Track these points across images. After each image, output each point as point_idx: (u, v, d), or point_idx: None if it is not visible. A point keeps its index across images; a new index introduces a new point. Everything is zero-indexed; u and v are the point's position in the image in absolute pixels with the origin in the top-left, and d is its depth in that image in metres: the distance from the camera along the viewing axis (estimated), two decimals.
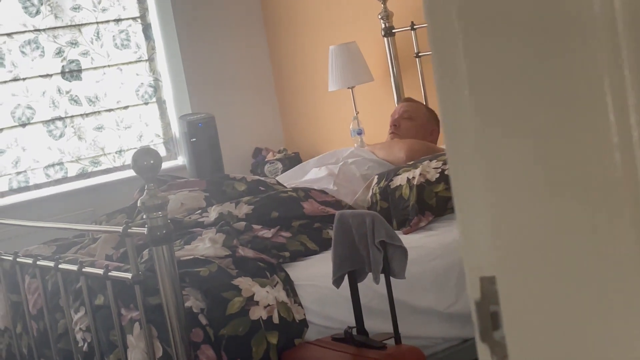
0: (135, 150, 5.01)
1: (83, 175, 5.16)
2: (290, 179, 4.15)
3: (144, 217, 2.54)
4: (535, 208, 0.77)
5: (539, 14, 0.73)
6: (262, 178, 3.80)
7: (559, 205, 0.75)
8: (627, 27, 0.69)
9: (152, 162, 2.51)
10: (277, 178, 4.16)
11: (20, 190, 4.97)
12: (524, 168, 0.76)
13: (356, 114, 4.86)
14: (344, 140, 5.06)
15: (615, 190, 0.70)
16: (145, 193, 2.51)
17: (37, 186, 5.02)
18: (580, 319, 0.77)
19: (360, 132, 4.80)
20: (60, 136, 5.09)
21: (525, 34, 0.74)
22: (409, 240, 3.05)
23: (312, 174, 4.07)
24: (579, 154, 0.73)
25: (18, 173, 4.97)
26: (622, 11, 0.69)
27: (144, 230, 2.56)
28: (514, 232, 0.79)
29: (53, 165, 5.08)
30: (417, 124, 4.16)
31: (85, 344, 2.89)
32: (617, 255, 0.72)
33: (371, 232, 2.51)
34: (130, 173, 5.19)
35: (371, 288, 2.77)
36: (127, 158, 5.30)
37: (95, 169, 5.20)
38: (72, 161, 5.13)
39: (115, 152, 5.26)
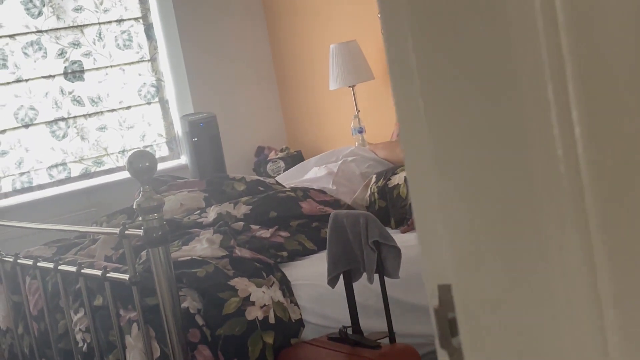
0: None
1: (86, 175, 5.19)
2: (291, 179, 4.17)
3: (140, 219, 2.56)
4: (488, 217, 0.78)
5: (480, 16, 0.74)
6: (262, 178, 3.82)
7: (510, 214, 0.77)
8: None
9: (147, 164, 2.53)
10: (277, 178, 4.17)
11: (23, 190, 5.01)
12: (479, 179, 0.78)
13: (357, 113, 4.87)
14: (346, 138, 5.07)
15: (561, 200, 0.72)
16: (140, 195, 2.54)
17: (41, 187, 5.05)
18: (532, 324, 0.79)
19: (361, 131, 4.81)
20: (63, 137, 5.12)
21: (471, 45, 0.75)
22: (406, 239, 3.06)
23: (311, 173, 4.09)
24: (528, 165, 0.75)
25: (21, 174, 5.01)
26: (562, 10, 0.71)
27: (140, 232, 2.58)
28: (468, 240, 0.81)
29: (56, 165, 5.11)
30: None
31: (85, 345, 2.92)
32: (564, 260, 0.73)
33: (365, 232, 2.53)
34: None
35: (367, 287, 2.79)
36: None
37: (98, 169, 5.23)
38: (75, 161, 5.16)
39: (118, 152, 5.29)
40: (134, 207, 2.55)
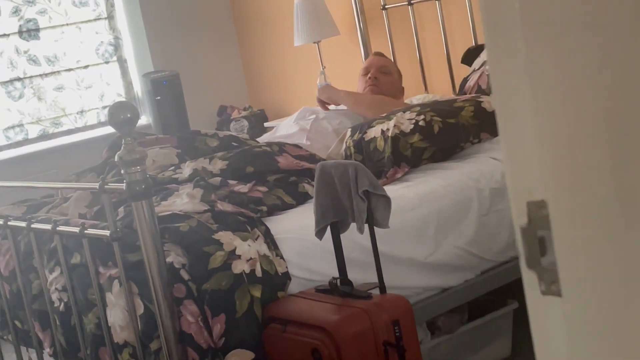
0: (101, 108, 4.88)
1: (44, 136, 5.06)
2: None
3: (122, 172, 2.48)
4: (590, 126, 0.74)
5: None
6: (234, 133, 3.74)
7: (616, 122, 0.73)
8: None
9: (129, 115, 2.45)
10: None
11: None
12: (579, 81, 0.74)
13: (323, 69, 4.81)
14: (311, 95, 5.01)
15: None
16: (122, 147, 2.45)
17: None
18: (633, 239, 0.76)
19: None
20: (20, 97, 4.98)
21: None
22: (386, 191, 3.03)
23: (283, 130, 4.03)
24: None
25: None
26: None
27: (122, 186, 2.51)
28: (566, 154, 0.77)
29: (13, 127, 4.97)
30: (393, 79, 4.14)
31: (62, 304, 2.84)
32: None
33: (354, 182, 2.48)
34: (93, 134, 5.11)
35: (352, 240, 2.75)
36: (89, 119, 5.21)
37: (56, 130, 5.10)
38: (32, 123, 5.02)
39: (77, 113, 5.16)
40: (116, 159, 2.47)
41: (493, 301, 3.27)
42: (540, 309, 0.81)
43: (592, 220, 0.77)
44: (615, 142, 0.75)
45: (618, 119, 0.75)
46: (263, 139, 4.02)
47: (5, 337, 3.32)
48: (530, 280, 0.82)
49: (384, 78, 4.09)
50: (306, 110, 4.14)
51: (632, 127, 0.74)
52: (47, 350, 2.99)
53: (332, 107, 4.15)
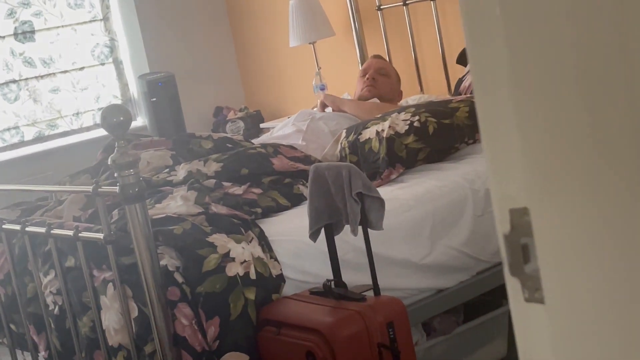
0: (97, 110, 4.88)
1: (40, 139, 5.06)
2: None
3: (116, 175, 2.48)
4: (573, 134, 0.74)
5: None
6: (228, 135, 3.74)
7: (598, 129, 0.73)
8: None
9: (122, 118, 2.45)
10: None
11: None
12: (561, 91, 0.74)
13: (318, 70, 4.81)
14: (307, 96, 5.01)
15: None
16: (115, 150, 2.45)
17: None
18: (615, 246, 0.75)
19: (323, 88, 4.76)
20: (15, 99, 4.97)
21: None
22: (380, 193, 3.02)
23: (280, 131, 4.03)
24: (618, 78, 0.71)
25: None
26: None
27: (115, 189, 2.50)
28: (549, 161, 0.76)
29: (9, 129, 4.96)
30: (391, 82, 4.15)
31: (57, 307, 2.84)
32: None
33: (348, 184, 2.48)
34: (89, 135, 5.10)
35: (346, 241, 2.75)
36: (85, 120, 5.20)
37: (52, 132, 5.10)
38: (28, 125, 5.02)
39: (73, 115, 5.16)
40: (109, 162, 2.47)
41: (489, 302, 3.27)
42: (524, 316, 0.81)
43: (574, 227, 0.77)
44: (597, 150, 0.74)
45: (600, 127, 0.75)
46: (260, 140, 4.02)
47: (0, 341, 3.31)
48: (513, 288, 0.81)
49: (381, 79, 4.10)
50: (304, 113, 4.14)
51: (614, 136, 0.74)
52: (42, 353, 2.99)
53: (329, 109, 4.14)
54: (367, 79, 4.10)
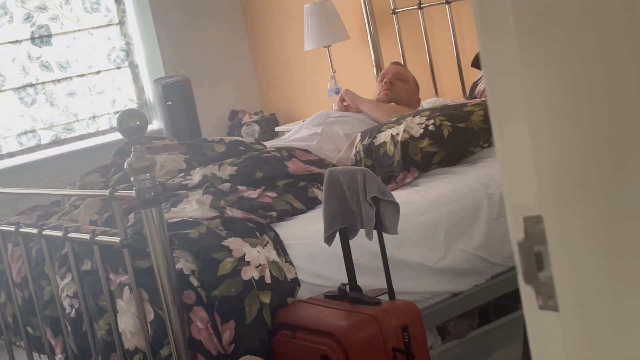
0: (113, 114, 4.90)
1: (56, 142, 5.09)
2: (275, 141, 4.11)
3: (132, 179, 2.49)
4: (586, 135, 0.74)
5: None
6: (240, 138, 3.75)
7: (613, 138, 0.73)
8: None
9: (138, 122, 2.46)
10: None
11: None
12: (576, 97, 0.74)
13: (333, 73, 4.82)
14: (322, 100, 5.02)
15: None
16: (132, 155, 2.47)
17: (10, 154, 4.94)
18: (629, 253, 0.76)
19: (337, 91, 4.76)
20: (32, 103, 5.01)
21: None
22: (395, 196, 3.03)
23: (295, 134, 4.04)
24: (632, 85, 0.71)
25: None
26: None
27: (132, 193, 2.52)
28: (563, 169, 0.77)
29: (26, 133, 4.99)
30: (408, 87, 4.16)
31: (73, 310, 2.85)
32: None
33: (362, 188, 2.49)
34: (105, 139, 5.13)
35: (361, 245, 2.76)
36: (101, 124, 5.23)
37: (69, 136, 5.13)
38: (45, 128, 5.05)
39: (89, 118, 5.19)
40: (125, 167, 2.48)
41: (503, 306, 3.26)
42: (538, 324, 0.82)
43: (588, 235, 0.77)
44: (611, 158, 0.75)
45: (615, 133, 0.75)
46: (272, 143, 4.03)
47: (17, 344, 3.33)
48: (527, 295, 0.82)
49: (399, 84, 4.12)
50: (320, 115, 4.15)
51: (629, 143, 0.75)
52: (58, 356, 3.00)
53: (348, 113, 4.15)
54: (385, 82, 4.11)
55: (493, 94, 0.80)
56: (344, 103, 4.16)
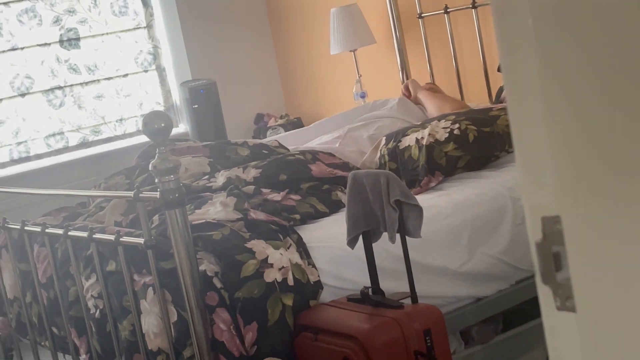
0: (140, 116, 4.94)
1: (84, 144, 5.13)
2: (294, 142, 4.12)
3: (156, 181, 2.51)
4: (604, 142, 0.74)
5: None
6: (263, 141, 3.77)
7: (631, 131, 0.72)
8: None
9: (163, 125, 2.48)
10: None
11: (21, 160, 4.94)
12: (593, 99, 0.74)
13: (359, 77, 4.82)
14: (347, 104, 5.02)
15: None
16: (157, 156, 2.48)
17: (38, 156, 4.99)
18: None
19: (363, 95, 4.77)
20: (60, 105, 5.05)
21: None
22: (419, 200, 3.02)
23: (317, 138, 4.04)
24: None
25: (18, 143, 4.93)
26: None
27: (156, 194, 2.53)
28: (582, 169, 0.76)
29: (54, 135, 5.04)
30: (445, 96, 4.26)
31: (97, 311, 2.87)
32: None
33: (386, 191, 2.48)
34: (132, 142, 5.17)
35: (384, 248, 2.75)
36: (128, 126, 5.27)
37: (96, 138, 5.17)
38: (72, 130, 5.09)
39: (116, 121, 5.22)
40: (150, 168, 2.50)
41: (528, 311, 3.24)
42: (556, 325, 0.81)
43: (606, 236, 0.77)
44: (628, 159, 0.74)
45: (632, 136, 0.75)
46: (294, 146, 4.04)
47: (42, 343, 3.36)
48: (545, 296, 0.81)
49: (435, 88, 4.24)
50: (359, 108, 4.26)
51: None
52: (83, 356, 3.03)
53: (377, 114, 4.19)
54: (426, 83, 4.24)
55: (511, 94, 0.80)
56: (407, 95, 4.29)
